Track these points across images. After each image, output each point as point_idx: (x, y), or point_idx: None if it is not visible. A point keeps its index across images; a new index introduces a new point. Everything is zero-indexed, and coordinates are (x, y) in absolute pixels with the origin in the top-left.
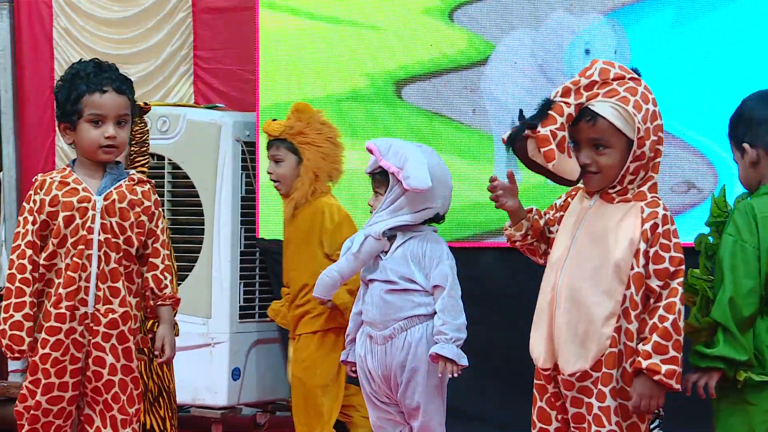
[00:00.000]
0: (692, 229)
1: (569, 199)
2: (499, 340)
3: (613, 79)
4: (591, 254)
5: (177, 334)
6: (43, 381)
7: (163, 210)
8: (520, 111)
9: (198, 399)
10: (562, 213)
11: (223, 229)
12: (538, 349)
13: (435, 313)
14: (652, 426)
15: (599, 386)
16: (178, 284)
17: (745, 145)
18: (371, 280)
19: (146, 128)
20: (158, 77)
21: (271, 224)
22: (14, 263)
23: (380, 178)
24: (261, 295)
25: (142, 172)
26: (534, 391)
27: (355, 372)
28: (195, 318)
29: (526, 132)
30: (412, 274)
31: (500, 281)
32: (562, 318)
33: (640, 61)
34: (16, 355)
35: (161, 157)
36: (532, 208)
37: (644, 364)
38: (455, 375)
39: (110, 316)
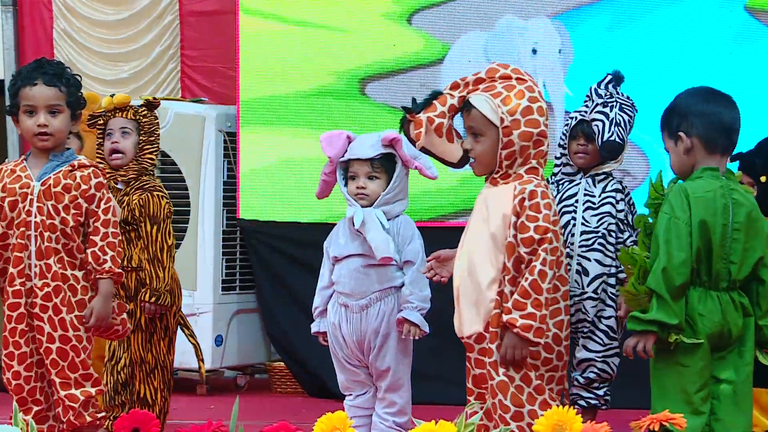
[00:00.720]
0: None
1: None
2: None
3: (500, 77)
4: (479, 231)
5: (171, 306)
6: (16, 352)
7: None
8: (413, 99)
9: (184, 363)
10: None
11: (207, 211)
12: (456, 320)
13: (402, 285)
14: (601, 385)
15: (489, 344)
16: None
17: (682, 134)
18: (347, 256)
19: (156, 120)
20: (149, 74)
21: (250, 206)
22: None
23: (381, 164)
24: (241, 270)
25: (151, 159)
26: (467, 363)
27: (326, 341)
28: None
29: (408, 116)
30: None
31: None
32: (462, 288)
33: (581, 60)
34: None
35: None
36: None
37: (504, 318)
38: (417, 338)
39: (45, 289)
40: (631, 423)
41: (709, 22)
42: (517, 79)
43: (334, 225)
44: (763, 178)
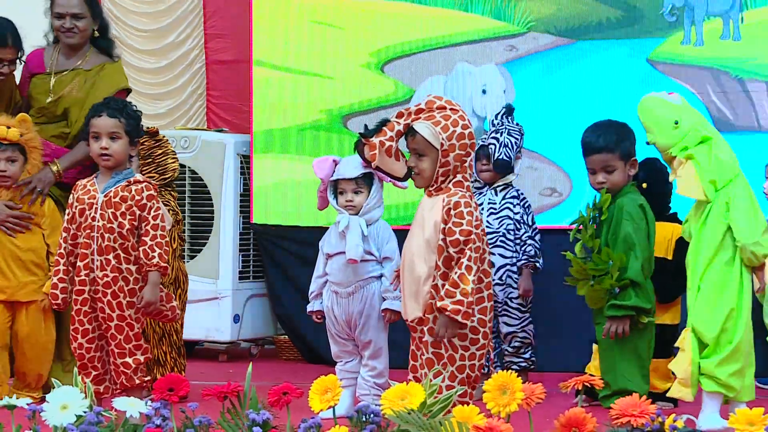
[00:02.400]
0: (556, 221)
1: None
2: None
3: (437, 108)
4: (417, 234)
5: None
6: (81, 328)
7: (184, 203)
8: (365, 125)
9: (209, 336)
10: None
11: (227, 216)
12: (402, 307)
13: (381, 275)
14: (526, 350)
15: (424, 328)
16: (194, 256)
17: (635, 158)
18: (337, 253)
19: (155, 145)
20: (182, 109)
21: (261, 213)
22: (60, 244)
23: (364, 181)
24: (254, 263)
25: (152, 178)
26: (411, 343)
27: (319, 318)
28: (207, 279)
29: (363, 140)
30: (370, 248)
31: None
32: (405, 281)
33: (521, 99)
34: (54, 306)
35: (183, 166)
36: None
37: (438, 304)
38: (395, 320)
39: (105, 279)
40: (560, 384)
41: (619, 70)
42: (451, 109)
43: (327, 228)
44: (644, 185)
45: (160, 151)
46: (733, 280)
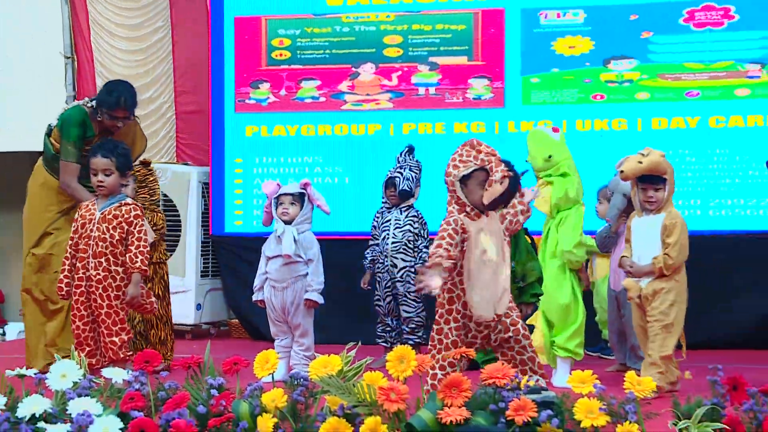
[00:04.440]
0: None
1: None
2: (338, 286)
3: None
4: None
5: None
6: (78, 314)
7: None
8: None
9: (178, 320)
10: (465, 235)
11: (191, 229)
12: (485, 306)
13: (307, 273)
14: (419, 330)
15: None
16: (167, 260)
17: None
18: (275, 256)
19: (146, 173)
20: (157, 148)
21: (217, 226)
22: (66, 249)
23: (299, 197)
24: (212, 264)
25: (143, 197)
26: (453, 337)
27: (262, 306)
28: (176, 276)
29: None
30: (299, 252)
31: (342, 256)
32: (492, 285)
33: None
34: (60, 296)
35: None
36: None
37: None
38: (313, 307)
39: (97, 277)
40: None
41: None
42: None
43: (267, 237)
44: None
45: (152, 178)
46: (566, 278)
